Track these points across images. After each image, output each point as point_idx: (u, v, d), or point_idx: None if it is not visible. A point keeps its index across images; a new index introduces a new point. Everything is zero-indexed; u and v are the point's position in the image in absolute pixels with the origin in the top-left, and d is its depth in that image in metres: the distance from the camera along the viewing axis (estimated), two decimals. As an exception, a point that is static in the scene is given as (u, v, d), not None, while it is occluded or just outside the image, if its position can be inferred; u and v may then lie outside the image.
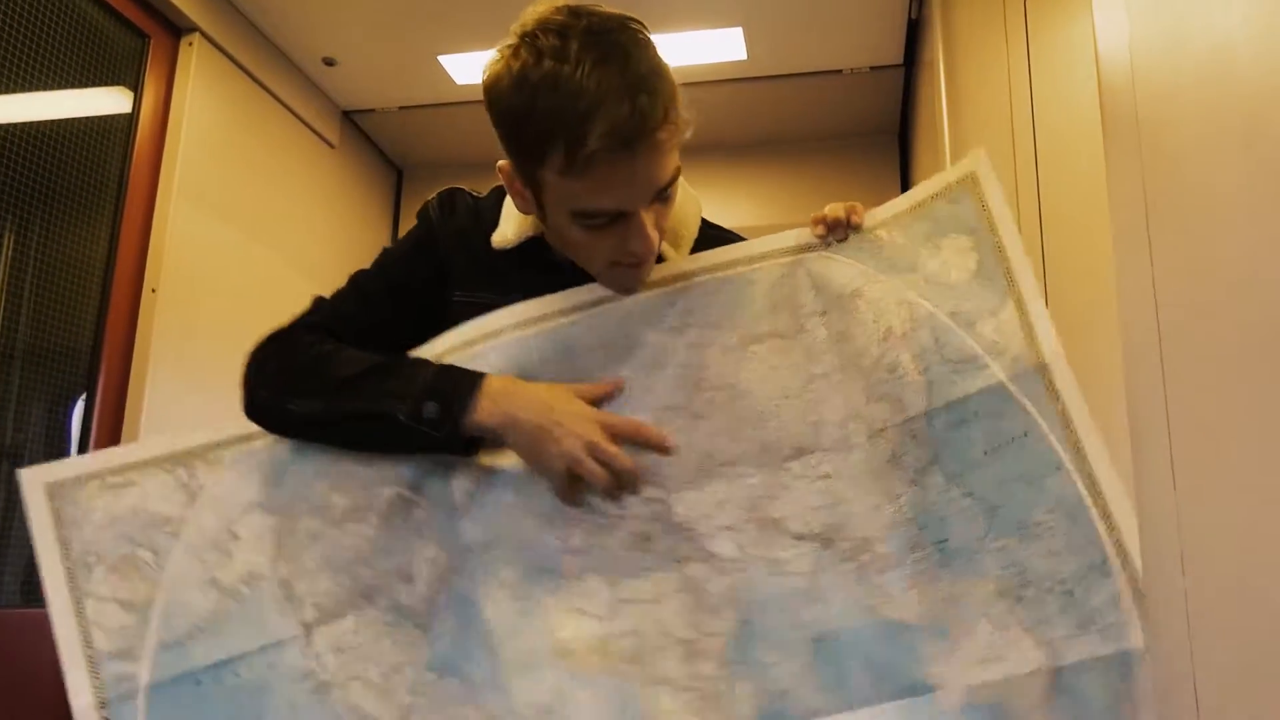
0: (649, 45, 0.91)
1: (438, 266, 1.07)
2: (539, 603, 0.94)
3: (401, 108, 2.95)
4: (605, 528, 0.95)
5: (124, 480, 0.96)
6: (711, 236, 1.10)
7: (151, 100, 2.25)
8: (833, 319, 0.97)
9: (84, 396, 2.07)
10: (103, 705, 0.90)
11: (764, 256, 1.01)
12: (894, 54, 2.67)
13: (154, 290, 2.18)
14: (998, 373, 0.92)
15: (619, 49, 0.87)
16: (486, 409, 0.93)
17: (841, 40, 2.61)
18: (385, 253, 1.12)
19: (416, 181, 3.33)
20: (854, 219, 1.00)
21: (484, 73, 0.95)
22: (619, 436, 0.94)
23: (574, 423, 0.93)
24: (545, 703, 0.91)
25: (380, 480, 0.97)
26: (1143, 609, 0.83)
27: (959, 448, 0.91)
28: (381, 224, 3.25)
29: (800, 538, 0.93)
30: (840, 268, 0.99)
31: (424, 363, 0.99)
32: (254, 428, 1.01)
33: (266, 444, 1.00)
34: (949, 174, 1.01)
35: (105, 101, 2.19)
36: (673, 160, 0.92)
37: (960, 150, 2.00)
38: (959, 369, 0.92)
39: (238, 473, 0.98)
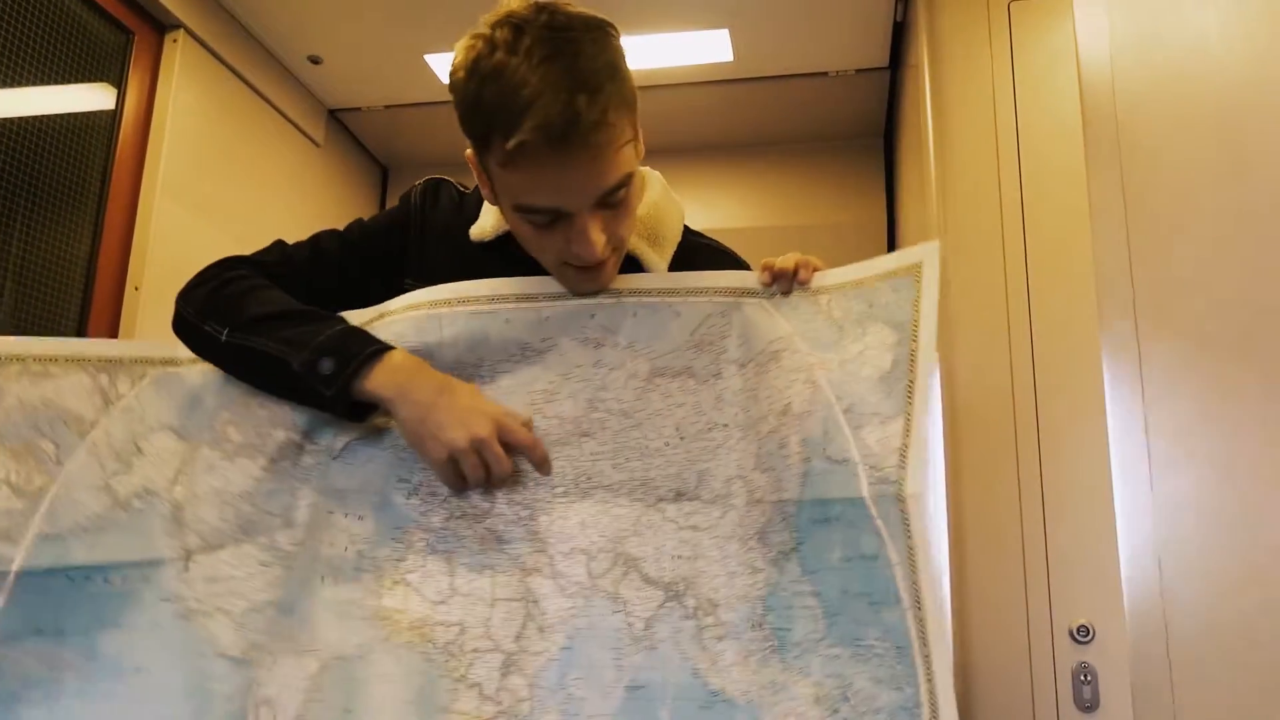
0: (608, 48, 0.90)
1: (400, 250, 1.08)
2: (376, 564, 0.94)
3: (387, 106, 2.94)
4: (468, 517, 0.95)
5: (43, 370, 0.97)
6: (694, 244, 1.10)
7: (135, 97, 2.23)
8: (749, 373, 0.97)
9: (66, 394, 2.06)
10: None
11: (700, 291, 1.00)
12: (879, 57, 2.68)
13: (137, 288, 2.16)
14: (862, 486, 0.91)
15: (570, 46, 0.87)
16: (381, 378, 0.93)
17: (827, 43, 2.62)
18: (356, 221, 1.12)
19: (402, 180, 3.33)
20: (802, 275, 0.99)
21: (453, 56, 0.96)
22: (510, 442, 0.93)
23: (467, 414, 0.92)
24: (346, 652, 0.91)
25: (274, 422, 0.99)
26: None
27: (819, 546, 0.92)
28: (367, 223, 3.25)
29: (650, 582, 0.93)
30: (771, 322, 0.98)
31: (337, 320, 0.99)
32: (182, 352, 1.03)
33: (188, 371, 1.02)
34: (900, 257, 0.99)
35: (88, 98, 2.18)
36: (617, 165, 0.90)
37: (944, 151, 2.02)
38: (833, 468, 0.92)
39: (157, 392, 1.00)
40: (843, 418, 0.94)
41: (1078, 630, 1.74)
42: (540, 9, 0.89)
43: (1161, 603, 0.66)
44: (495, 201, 0.99)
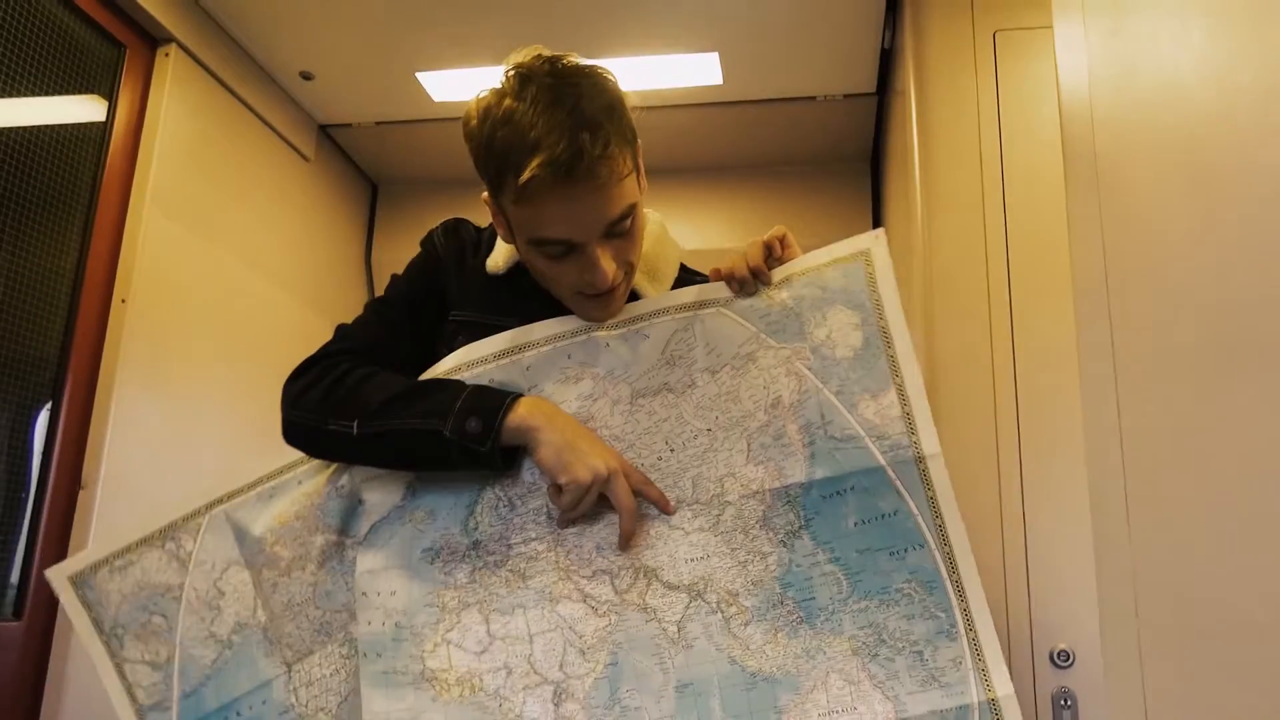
0: (606, 91, 0.98)
1: (442, 289, 1.15)
2: (416, 632, 1.01)
3: (378, 123, 2.95)
4: (489, 565, 1.02)
5: (126, 561, 1.11)
6: (690, 280, 1.17)
7: (126, 110, 2.23)
8: (723, 378, 1.04)
9: (49, 406, 2.05)
10: None
11: (662, 311, 1.08)
12: (867, 82, 2.72)
13: (124, 301, 2.16)
14: (878, 456, 1.00)
15: (573, 91, 0.95)
16: (522, 413, 1.00)
17: (816, 68, 2.65)
18: (395, 280, 1.19)
19: (391, 196, 3.33)
20: (762, 278, 1.06)
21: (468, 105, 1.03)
22: (631, 480, 1.01)
23: (604, 449, 1.00)
24: (397, 717, 0.98)
25: (311, 529, 1.08)
26: (980, 668, 0.96)
27: (831, 517, 0.99)
28: (355, 238, 3.24)
29: (672, 587, 1.00)
30: (734, 327, 1.05)
31: (456, 384, 1.05)
32: (221, 490, 1.13)
33: (231, 507, 1.12)
34: (845, 245, 1.07)
35: (79, 110, 2.18)
36: (621, 196, 0.99)
37: (930, 176, 2.04)
38: (840, 446, 1.00)
39: (214, 536, 1.11)
40: (835, 399, 1.01)
41: (1058, 655, 1.75)
42: (544, 60, 0.98)
43: (1136, 626, 0.67)
44: (511, 239, 1.07)
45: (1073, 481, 1.80)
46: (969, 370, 1.89)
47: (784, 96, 2.79)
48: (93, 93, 2.19)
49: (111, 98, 2.21)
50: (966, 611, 0.97)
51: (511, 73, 0.98)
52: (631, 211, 1.00)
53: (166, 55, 2.31)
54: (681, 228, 1.17)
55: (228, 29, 2.49)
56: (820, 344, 1.03)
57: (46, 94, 2.08)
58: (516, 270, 1.12)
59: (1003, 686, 0.95)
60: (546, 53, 1.00)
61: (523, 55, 0.99)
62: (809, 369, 1.02)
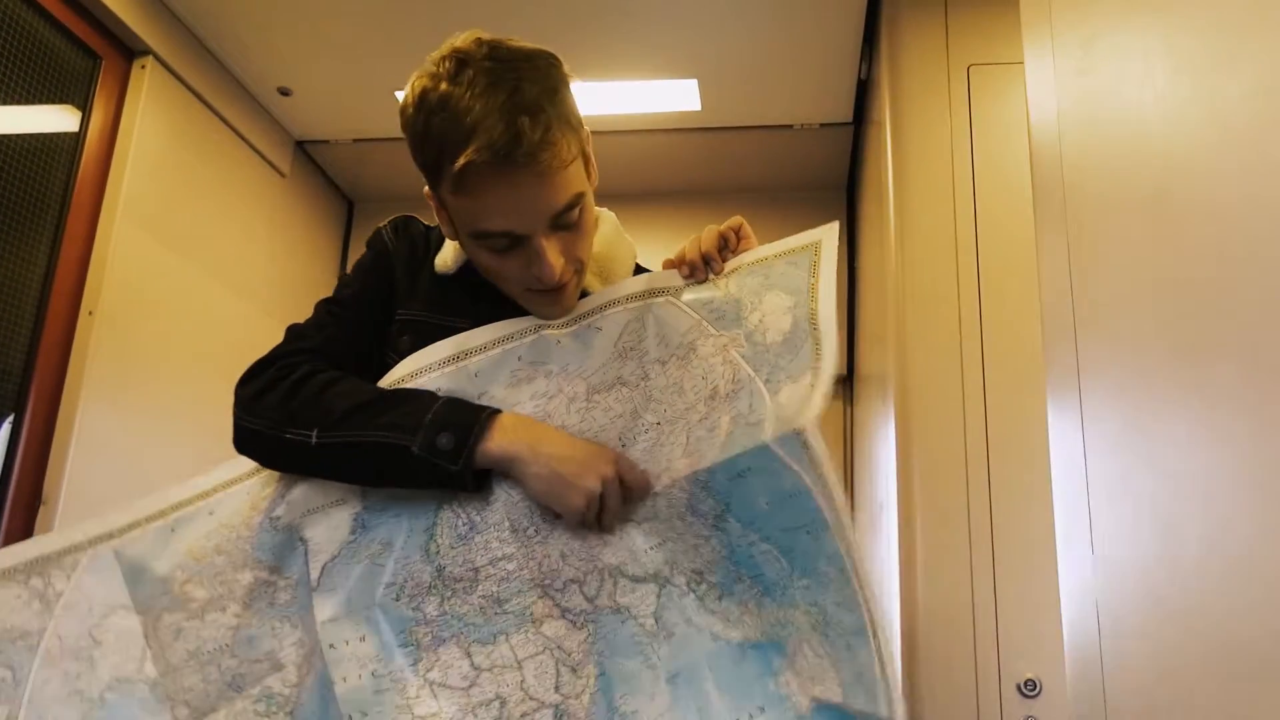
0: (549, 75, 0.93)
1: (390, 285, 1.09)
2: (396, 679, 0.92)
3: (355, 140, 2.95)
4: (459, 592, 0.94)
5: None
6: (644, 274, 1.12)
7: (100, 121, 2.22)
8: (670, 369, 1.00)
9: (11, 417, 2.01)
10: None
11: (613, 303, 1.03)
12: (844, 112, 2.75)
13: (91, 313, 2.13)
14: (766, 433, 0.93)
15: (511, 76, 0.90)
16: (504, 440, 0.93)
17: (794, 97, 2.68)
18: (345, 279, 1.13)
19: (368, 213, 3.32)
20: (714, 265, 1.03)
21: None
22: (626, 478, 0.96)
23: (594, 459, 0.94)
24: None
25: (236, 565, 0.97)
26: (886, 682, 0.88)
27: (744, 498, 0.94)
28: (331, 255, 3.23)
29: (639, 580, 0.95)
30: (681, 317, 1.02)
31: (427, 394, 0.98)
32: (110, 524, 0.99)
33: (123, 542, 0.98)
34: (800, 238, 1.04)
35: (52, 119, 2.16)
36: (566, 185, 0.93)
37: (904, 205, 2.06)
38: (748, 429, 0.95)
39: (96, 576, 0.96)
40: (763, 387, 0.97)
41: (1025, 684, 1.75)
42: (482, 44, 0.92)
43: (1100, 657, 0.68)
44: (454, 235, 1.02)
45: (1041, 510, 1.81)
46: (940, 391, 1.91)
47: (761, 124, 2.82)
48: (67, 103, 2.18)
49: (85, 108, 2.19)
50: (871, 614, 0.92)
51: (448, 57, 0.92)
52: (578, 201, 0.95)
53: (143, 67, 2.30)
54: (655, 251, 1.16)
55: (205, 43, 2.48)
56: (753, 330, 1.00)
57: (19, 103, 2.06)
58: (466, 269, 1.07)
59: (899, 714, 0.90)
60: (486, 36, 0.94)
61: (460, 39, 0.94)
62: (742, 356, 0.99)
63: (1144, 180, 0.61)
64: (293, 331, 1.07)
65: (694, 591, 0.95)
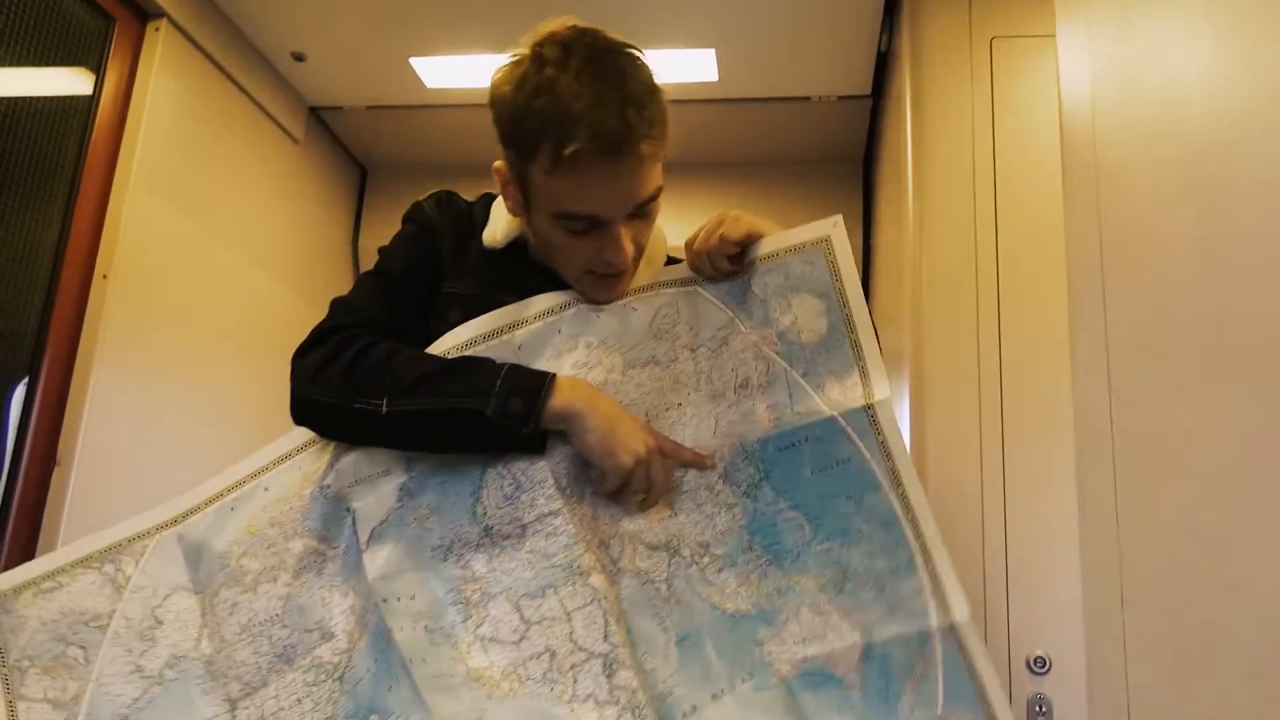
0: (645, 70, 0.99)
1: (435, 261, 1.11)
2: (448, 634, 0.96)
3: (370, 107, 2.93)
4: (506, 549, 0.98)
5: (55, 584, 1.00)
6: (676, 264, 1.15)
7: (114, 84, 2.20)
8: (700, 356, 1.06)
9: (26, 380, 2.02)
10: None
11: (648, 288, 1.09)
12: (863, 85, 2.71)
13: (105, 277, 2.13)
14: (831, 409, 1.03)
15: (616, 68, 0.95)
16: (567, 398, 0.98)
17: (812, 68, 2.64)
18: (388, 253, 1.15)
19: (380, 181, 3.31)
20: (720, 266, 1.05)
21: (492, 75, 1.01)
22: (666, 451, 1.02)
23: (643, 430, 1.00)
24: (468, 717, 0.93)
25: (288, 535, 1.01)
26: (939, 596, 1.00)
27: (788, 468, 1.03)
28: (343, 222, 3.22)
29: (653, 548, 1.01)
30: (712, 310, 1.08)
31: (490, 362, 1.02)
32: (173, 511, 1.04)
33: (186, 526, 1.04)
34: (804, 232, 1.08)
35: (65, 82, 2.15)
36: (654, 177, 0.99)
37: (922, 181, 2.04)
38: (805, 418, 1.03)
39: (160, 560, 1.02)
40: (803, 381, 1.05)
41: (1035, 661, 1.75)
42: (582, 32, 0.97)
43: (1123, 636, 0.67)
44: (520, 211, 1.05)
45: (1054, 487, 1.80)
46: (956, 371, 1.89)
47: (779, 96, 2.79)
48: (80, 65, 2.16)
49: (99, 71, 2.18)
50: (924, 546, 1.01)
51: (551, 41, 0.96)
52: (658, 194, 1.00)
53: (157, 30, 2.28)
54: (670, 223, 1.16)
55: (220, 6, 2.46)
56: (786, 329, 1.05)
57: (33, 65, 2.05)
58: (514, 245, 1.10)
59: (960, 612, 1.00)
60: (582, 24, 0.98)
61: (557, 25, 0.98)
62: (777, 353, 1.05)
63: (1185, 153, 0.59)
64: (343, 304, 1.09)
65: (697, 563, 1.01)
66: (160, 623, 1.00)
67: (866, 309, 1.05)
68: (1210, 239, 0.58)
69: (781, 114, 2.86)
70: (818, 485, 1.02)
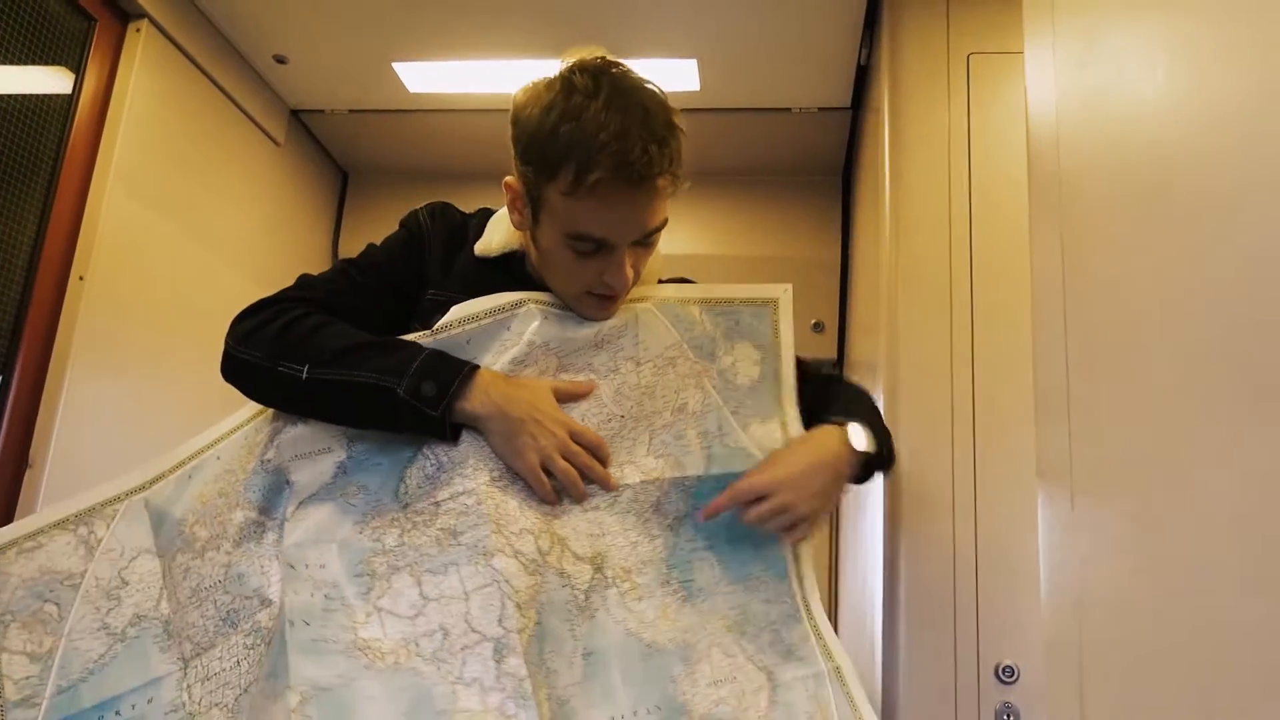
0: (668, 107, 1.05)
1: (420, 268, 1.15)
2: (346, 603, 0.98)
3: (352, 110, 2.92)
4: (419, 524, 1.00)
5: (35, 544, 1.06)
6: (671, 285, 1.22)
7: (93, 84, 2.19)
8: (645, 371, 1.11)
9: (-1, 381, 2.01)
10: None
11: None
12: (842, 97, 2.74)
13: (81, 278, 2.12)
14: (755, 449, 1.12)
15: (641, 101, 1.01)
16: (479, 398, 1.00)
17: (793, 80, 2.67)
18: (372, 248, 1.20)
19: (362, 185, 3.30)
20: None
21: (517, 93, 1.06)
22: (580, 443, 1.04)
23: (551, 424, 1.01)
24: (326, 683, 0.93)
25: (231, 505, 1.05)
26: (823, 645, 1.08)
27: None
28: (323, 225, 3.21)
29: (579, 558, 1.03)
30: (664, 330, 1.13)
31: (415, 345, 1.04)
32: (143, 476, 1.09)
33: (153, 493, 1.09)
34: (757, 290, 1.19)
35: (44, 81, 2.14)
36: (664, 210, 1.05)
37: (900, 193, 2.06)
38: (734, 454, 1.11)
39: (129, 523, 1.07)
40: (731, 417, 1.13)
41: (1003, 670, 1.77)
42: (611, 64, 1.03)
43: (1079, 647, 0.69)
44: (527, 226, 1.08)
45: (1027, 498, 1.82)
46: (929, 383, 1.91)
47: (760, 106, 2.81)
48: (60, 65, 2.15)
49: (79, 71, 2.17)
50: (805, 599, 1.10)
51: (581, 70, 1.00)
52: (663, 225, 1.06)
53: (138, 31, 2.27)
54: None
55: (202, 7, 2.45)
56: (725, 369, 1.14)
57: (11, 63, 2.04)
58: (507, 256, 1.13)
59: (841, 657, 1.08)
60: (609, 56, 1.04)
61: (585, 53, 1.03)
62: (714, 387, 1.13)
63: (1141, 175, 0.61)
64: (303, 280, 1.14)
65: (617, 586, 1.04)
66: (126, 583, 1.04)
67: (793, 372, 1.16)
68: (1168, 250, 0.60)
69: (762, 124, 2.88)
70: (731, 528, 1.08)
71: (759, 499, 1.06)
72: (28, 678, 1.00)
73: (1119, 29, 0.65)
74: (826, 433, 1.12)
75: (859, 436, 1.12)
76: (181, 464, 1.11)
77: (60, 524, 1.07)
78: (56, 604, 1.03)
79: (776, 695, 1.04)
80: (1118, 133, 0.66)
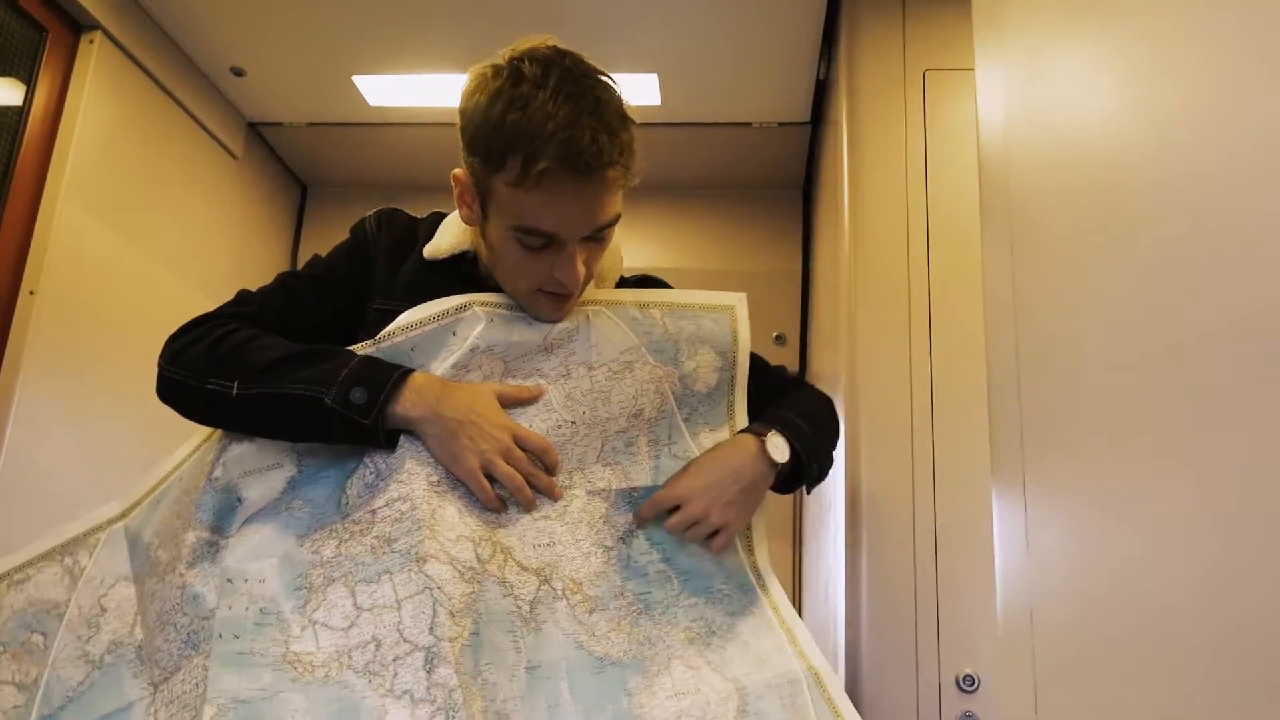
0: (619, 98, 1.01)
1: (366, 277, 1.11)
2: (281, 618, 0.95)
3: (310, 124, 2.90)
4: (355, 534, 0.98)
5: (24, 576, 1.07)
6: (630, 283, 1.18)
7: (45, 96, 2.16)
8: (598, 376, 1.08)
9: (-55, 399, 1.96)
10: None
11: None
12: (802, 112, 2.77)
13: (32, 293, 2.08)
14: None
15: (591, 92, 0.97)
16: (411, 400, 0.97)
17: (753, 95, 2.69)
18: (316, 259, 1.16)
19: (320, 199, 3.27)
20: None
21: (466, 83, 1.01)
22: (524, 448, 1.00)
23: (491, 427, 0.97)
24: (246, 696, 0.90)
25: (184, 526, 1.03)
26: (798, 649, 1.07)
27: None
28: (282, 240, 3.18)
29: (524, 568, 1.00)
30: (619, 333, 1.10)
31: (346, 353, 1.02)
32: (127, 502, 1.09)
33: (132, 519, 1.08)
34: (714, 296, 1.19)
35: (-7, 93, 2.10)
36: (615, 204, 1.00)
37: (859, 207, 2.09)
38: (679, 463, 1.10)
39: (109, 551, 1.08)
40: (683, 425, 1.12)
41: (964, 679, 1.79)
42: (562, 54, 0.99)
43: (1032, 646, 0.70)
44: (475, 220, 1.04)
45: (985, 510, 1.84)
46: (888, 395, 1.93)
47: (720, 121, 2.83)
48: (10, 76, 2.12)
49: (30, 82, 2.13)
50: (775, 609, 1.09)
51: (529, 57, 0.96)
52: (616, 220, 1.02)
53: (91, 42, 2.24)
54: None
55: (157, 19, 2.42)
56: (686, 374, 1.12)
57: (-41, 75, 2.00)
58: (457, 258, 1.10)
59: (817, 658, 1.06)
60: (561, 44, 1.00)
61: (536, 43, 0.99)
62: (673, 392, 1.11)
63: (1086, 188, 0.62)
64: (240, 296, 1.11)
65: (567, 599, 1.01)
66: (104, 610, 1.04)
67: (746, 381, 1.15)
68: (1115, 263, 0.61)
69: (723, 138, 2.91)
70: (689, 543, 1.07)
71: (675, 508, 1.05)
72: (15, 707, 1.00)
73: (1063, 48, 0.67)
74: (742, 442, 1.10)
75: (777, 447, 1.09)
76: (154, 488, 1.11)
77: (48, 555, 1.08)
78: (43, 634, 1.04)
79: (747, 705, 1.01)
80: (1063, 147, 0.68)
